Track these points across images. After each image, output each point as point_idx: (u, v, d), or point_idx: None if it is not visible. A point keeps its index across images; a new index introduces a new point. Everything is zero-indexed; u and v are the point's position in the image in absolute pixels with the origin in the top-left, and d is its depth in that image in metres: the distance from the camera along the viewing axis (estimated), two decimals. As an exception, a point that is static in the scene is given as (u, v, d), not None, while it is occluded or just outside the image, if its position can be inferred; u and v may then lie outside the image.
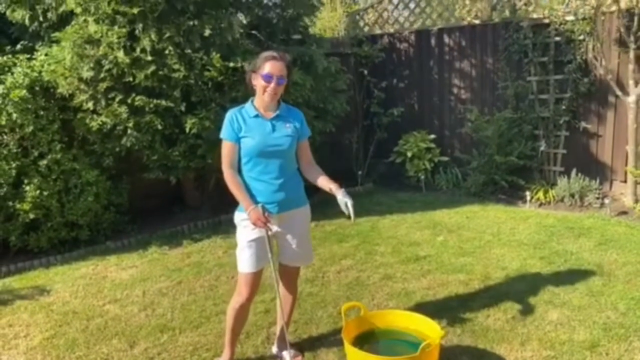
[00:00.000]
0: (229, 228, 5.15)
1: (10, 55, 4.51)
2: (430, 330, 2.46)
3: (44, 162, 4.40)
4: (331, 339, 3.08)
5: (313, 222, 5.11)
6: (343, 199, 2.52)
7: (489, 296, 3.52)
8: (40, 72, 4.42)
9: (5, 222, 4.44)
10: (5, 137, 4.30)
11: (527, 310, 3.28)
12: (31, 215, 4.40)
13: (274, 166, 2.64)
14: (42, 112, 4.39)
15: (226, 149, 2.61)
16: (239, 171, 2.66)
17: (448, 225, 5.01)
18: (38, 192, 4.36)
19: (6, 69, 4.43)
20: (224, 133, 2.62)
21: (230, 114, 2.64)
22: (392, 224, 5.18)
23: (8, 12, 4.46)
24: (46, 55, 4.50)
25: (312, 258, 2.96)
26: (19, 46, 4.59)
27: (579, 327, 3.07)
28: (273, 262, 2.64)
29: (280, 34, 5.43)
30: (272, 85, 2.55)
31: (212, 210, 5.62)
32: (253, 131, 2.61)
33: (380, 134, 6.96)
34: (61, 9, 4.35)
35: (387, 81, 7.05)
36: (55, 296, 3.90)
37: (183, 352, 3.02)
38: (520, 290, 3.58)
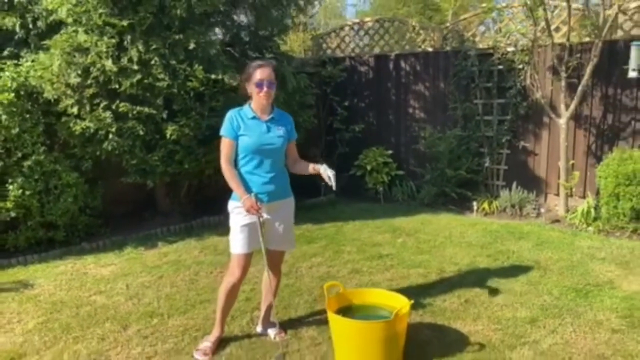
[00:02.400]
0: (202, 231, 5.52)
1: (-5, 61, 4.68)
2: (399, 303, 2.89)
3: (27, 162, 4.57)
4: (309, 319, 3.46)
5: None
6: (325, 172, 2.93)
7: (445, 285, 4.00)
8: (26, 77, 4.61)
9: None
10: (-13, 137, 4.44)
11: (477, 296, 3.79)
12: (12, 214, 4.53)
13: (267, 162, 2.99)
14: (27, 115, 4.57)
15: (225, 145, 2.97)
16: (235, 166, 3.02)
17: (406, 230, 5.52)
18: (20, 191, 4.51)
19: (-9, 72, 4.59)
20: (224, 131, 2.97)
21: (230, 114, 3.00)
22: (356, 229, 5.63)
23: (-2, 19, 4.65)
24: (32, 61, 4.70)
25: (295, 245, 3.30)
26: (5, 52, 4.76)
27: (521, 308, 3.59)
28: (263, 247, 3.00)
29: (253, 52, 5.86)
30: (265, 89, 2.93)
31: (183, 216, 5.88)
32: (251, 131, 2.96)
33: (342, 149, 7.46)
34: (51, 18, 4.59)
35: (348, 100, 7.59)
36: (40, 289, 4.05)
37: (175, 332, 3.30)
38: (471, 281, 4.09)
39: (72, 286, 4.10)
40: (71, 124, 4.71)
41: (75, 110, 4.67)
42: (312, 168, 3.05)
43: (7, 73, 4.53)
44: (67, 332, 3.31)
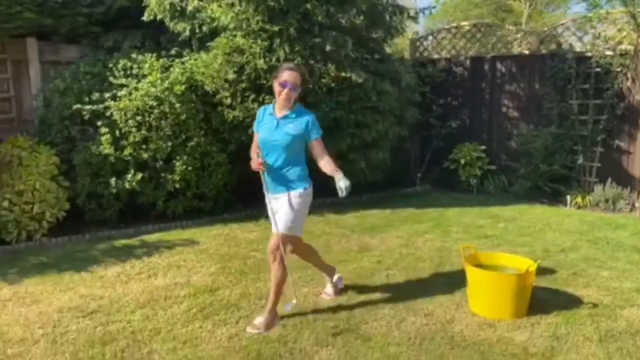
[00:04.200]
0: (321, 209, 6.26)
1: (165, 59, 5.68)
2: (525, 264, 3.49)
3: (191, 143, 5.52)
4: (436, 278, 4.13)
5: (389, 210, 6.24)
6: (339, 182, 3.04)
7: (551, 261, 4.53)
8: (191, 72, 5.57)
9: (155, 190, 5.55)
10: (162, 122, 5.43)
11: (584, 270, 4.30)
12: (177, 185, 5.51)
13: (272, 156, 3.26)
14: (192, 105, 5.53)
15: (254, 135, 3.45)
16: None
17: (504, 217, 6.05)
18: (184, 167, 5.47)
19: (164, 69, 5.59)
20: (254, 124, 3.44)
21: (259, 110, 3.42)
22: (456, 214, 6.22)
23: (172, 25, 5.63)
24: (195, 60, 5.66)
25: (285, 230, 3.30)
26: (173, 52, 5.76)
27: (625, 280, 4.08)
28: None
29: (363, 53, 6.59)
30: (286, 90, 3.15)
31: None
32: (264, 126, 3.30)
33: (436, 143, 8.05)
34: (214, 24, 5.52)
35: (443, 98, 8.18)
36: (206, 245, 4.97)
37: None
38: (575, 258, 4.60)
39: (231, 244, 4.99)
40: (225, 113, 5.62)
41: (229, 101, 5.57)
42: (331, 171, 3.14)
43: (177, 69, 5.50)
44: (244, 275, 4.17)
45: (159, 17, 5.63)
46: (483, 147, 7.70)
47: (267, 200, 3.44)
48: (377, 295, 3.82)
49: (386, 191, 7.22)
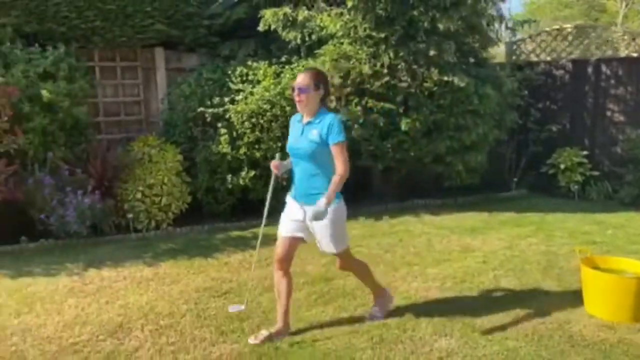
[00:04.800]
0: (415, 210, 6.41)
1: (276, 66, 6.10)
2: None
3: (298, 144, 5.90)
4: (546, 280, 4.15)
5: (486, 213, 6.26)
6: (315, 209, 2.91)
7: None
8: (300, 77, 5.95)
9: (264, 186, 5.96)
10: (273, 124, 5.85)
11: None
12: (284, 183, 5.88)
13: (299, 165, 3.15)
14: (300, 107, 5.90)
15: None
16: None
17: (612, 224, 5.87)
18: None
19: (275, 75, 6.01)
20: None
21: (292, 117, 3.32)
22: (558, 219, 6.12)
23: (284, 34, 6.06)
24: (303, 66, 6.04)
25: (334, 249, 3.19)
26: (283, 59, 6.18)
27: None
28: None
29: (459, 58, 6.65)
30: (296, 93, 3.04)
31: (396, 197, 6.87)
32: (291, 133, 3.21)
33: (534, 148, 7.90)
34: (322, 32, 5.88)
35: (542, 102, 8.02)
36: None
37: (442, 275, 4.24)
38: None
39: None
40: (329, 116, 5.95)
41: (333, 104, 5.89)
42: (329, 193, 2.96)
43: (287, 75, 5.91)
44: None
45: (272, 27, 6.06)
46: (585, 153, 7.47)
47: (287, 201, 3.28)
48: (487, 293, 3.94)
49: (480, 195, 7.21)
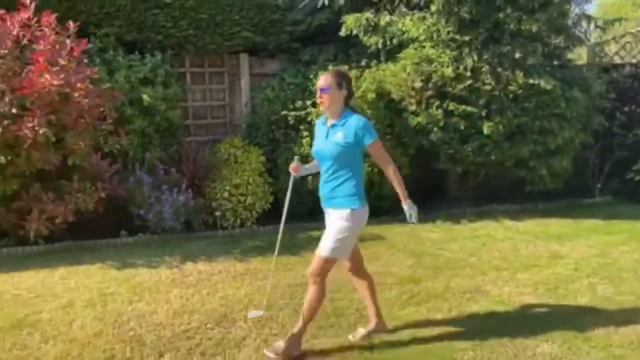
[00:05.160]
0: (494, 215, 6.31)
1: (356, 70, 6.21)
2: None
3: (378, 147, 5.97)
4: (648, 290, 4.01)
5: (570, 219, 6.07)
6: (408, 210, 3.09)
7: None
8: (379, 81, 6.04)
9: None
10: (353, 126, 5.95)
11: None
12: (363, 185, 5.99)
13: (324, 167, 3.09)
14: (380, 111, 5.99)
15: None
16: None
17: None
18: (370, 168, 5.92)
19: (355, 79, 6.12)
20: None
21: (318, 120, 3.27)
22: (651, 228, 5.85)
23: (365, 38, 6.18)
24: (383, 70, 6.13)
25: (326, 252, 3.03)
26: (362, 63, 6.30)
27: None
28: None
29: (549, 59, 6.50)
30: (319, 94, 3.01)
31: (472, 201, 6.79)
32: (317, 135, 3.16)
33: (619, 153, 7.57)
34: (404, 37, 5.94)
35: (628, 106, 7.66)
36: (393, 241, 5.35)
37: (533, 280, 4.19)
38: None
39: (417, 242, 5.32)
40: (408, 119, 5.99)
41: (413, 108, 5.93)
42: (401, 194, 3.09)
43: (367, 79, 6.01)
44: (440, 270, 4.46)
45: (354, 32, 6.19)
46: (677, 159, 7.08)
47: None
48: (583, 300, 3.84)
49: (562, 200, 6.99)
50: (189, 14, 5.96)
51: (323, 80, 3.02)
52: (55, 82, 4.43)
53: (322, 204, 3.18)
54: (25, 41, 4.60)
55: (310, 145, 5.94)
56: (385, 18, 6.04)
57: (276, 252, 3.49)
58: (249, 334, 3.36)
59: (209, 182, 5.87)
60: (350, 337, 3.31)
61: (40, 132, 4.43)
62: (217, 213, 5.75)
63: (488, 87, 5.66)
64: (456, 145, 6.02)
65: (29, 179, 4.83)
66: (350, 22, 6.16)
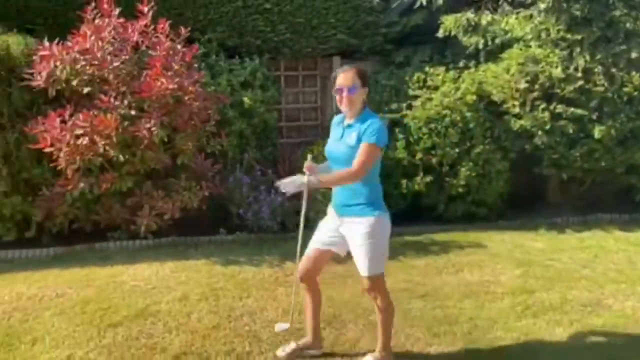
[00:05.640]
0: (600, 225, 5.90)
1: (453, 71, 6.06)
2: None
3: (476, 150, 5.78)
4: None
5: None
6: (301, 179, 2.78)
7: None
8: (479, 83, 5.85)
9: (438, 193, 5.96)
10: (450, 130, 5.80)
11: None
12: (459, 190, 5.82)
13: (336, 170, 2.85)
14: (479, 113, 5.79)
15: None
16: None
17: None
18: (468, 173, 5.75)
19: (453, 80, 5.98)
20: None
21: (334, 118, 3.01)
22: None
23: (464, 39, 6.02)
24: (483, 71, 5.93)
25: (367, 272, 2.82)
26: (460, 64, 6.13)
27: None
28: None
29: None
30: (345, 95, 2.76)
31: (574, 210, 6.37)
32: (332, 135, 2.94)
33: None
34: (507, 36, 5.73)
35: None
36: (495, 249, 5.12)
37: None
38: None
39: (521, 251, 5.06)
40: (510, 122, 5.75)
41: (516, 110, 5.68)
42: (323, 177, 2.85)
43: (467, 80, 5.83)
44: (552, 281, 4.23)
45: (452, 32, 6.04)
46: None
47: (328, 211, 3.05)
48: None
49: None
50: (287, 19, 6.07)
51: (346, 79, 2.77)
52: (170, 86, 4.65)
53: (336, 211, 2.91)
54: (143, 47, 4.87)
55: (404, 148, 5.89)
56: (486, 17, 5.84)
57: (297, 258, 3.14)
58: (362, 337, 3.33)
59: (303, 183, 5.93)
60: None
61: (155, 133, 4.67)
62: (311, 214, 5.79)
63: (600, 89, 5.32)
64: (562, 149, 5.70)
65: (141, 177, 5.10)
66: (450, 23, 6.02)
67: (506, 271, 4.50)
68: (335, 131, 2.94)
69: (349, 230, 2.84)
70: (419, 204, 6.11)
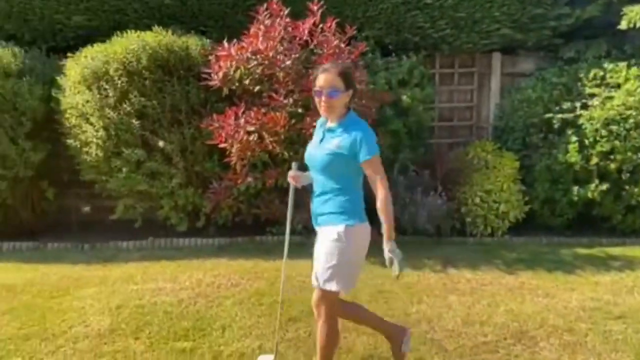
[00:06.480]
0: None
1: (636, 67, 5.38)
2: None
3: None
4: None
5: None
6: (388, 255, 2.47)
7: None
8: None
9: (614, 202, 5.34)
10: (632, 132, 5.15)
11: None
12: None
13: (315, 178, 2.65)
14: None
15: None
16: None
17: None
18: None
19: (637, 77, 5.31)
20: None
21: (319, 120, 2.74)
22: None
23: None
24: None
25: (322, 284, 2.53)
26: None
27: None
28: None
29: None
30: (323, 98, 2.51)
31: None
32: (313, 139, 2.70)
33: None
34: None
35: None
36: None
37: None
38: None
39: None
40: None
41: None
42: (387, 229, 2.49)
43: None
44: None
45: (637, 25, 5.36)
46: None
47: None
48: None
49: None
50: (448, 13, 5.81)
51: (326, 80, 2.52)
52: (338, 84, 4.64)
53: (315, 222, 2.69)
54: (312, 45, 4.93)
55: (578, 152, 5.36)
56: None
57: (283, 268, 3.03)
58: (560, 357, 3.02)
59: (458, 186, 5.67)
60: None
61: (319, 130, 4.70)
62: (468, 219, 5.51)
63: None
64: None
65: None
66: (634, 14, 5.35)
67: None
68: (316, 135, 2.73)
69: (319, 239, 2.64)
70: (589, 212, 5.56)
